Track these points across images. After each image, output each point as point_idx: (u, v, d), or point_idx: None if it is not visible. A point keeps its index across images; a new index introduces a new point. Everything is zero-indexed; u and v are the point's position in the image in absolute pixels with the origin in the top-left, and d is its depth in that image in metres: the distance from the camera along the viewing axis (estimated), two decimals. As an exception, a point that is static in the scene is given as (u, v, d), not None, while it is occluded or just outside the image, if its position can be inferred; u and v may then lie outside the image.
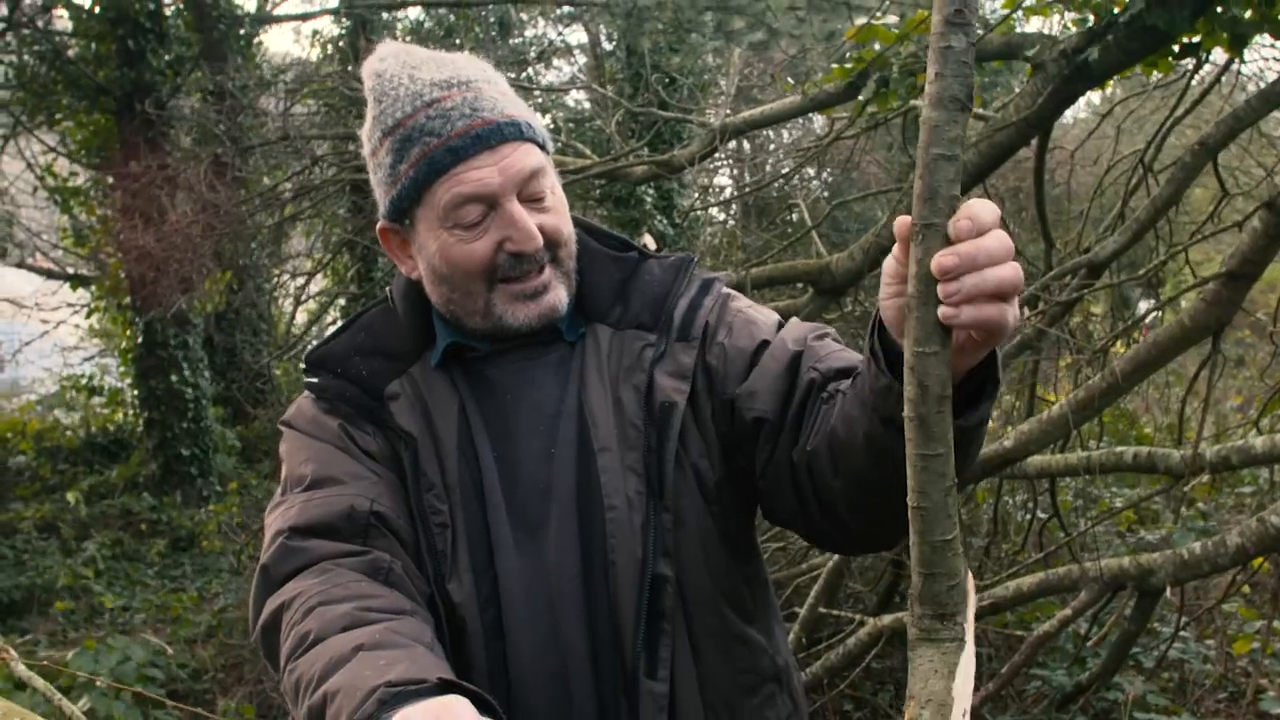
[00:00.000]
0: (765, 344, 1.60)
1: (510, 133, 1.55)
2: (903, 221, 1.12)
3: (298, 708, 1.32)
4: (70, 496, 11.64)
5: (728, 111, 13.66)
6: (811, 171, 14.88)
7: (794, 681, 1.76)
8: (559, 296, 1.61)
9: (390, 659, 1.25)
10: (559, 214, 1.61)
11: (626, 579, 1.54)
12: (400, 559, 1.51)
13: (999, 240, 1.09)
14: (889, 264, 1.22)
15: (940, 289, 1.08)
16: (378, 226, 1.67)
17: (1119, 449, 4.42)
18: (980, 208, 1.09)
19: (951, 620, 1.09)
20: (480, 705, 1.19)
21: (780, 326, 1.66)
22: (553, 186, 1.62)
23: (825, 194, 14.60)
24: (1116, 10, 3.90)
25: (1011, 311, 1.14)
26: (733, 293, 1.75)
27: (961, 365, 1.21)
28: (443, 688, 1.20)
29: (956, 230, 1.07)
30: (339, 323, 6.98)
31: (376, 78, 1.61)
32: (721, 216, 15.08)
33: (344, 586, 1.41)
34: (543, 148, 1.61)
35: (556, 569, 1.56)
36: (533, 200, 1.57)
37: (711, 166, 14.05)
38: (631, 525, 1.55)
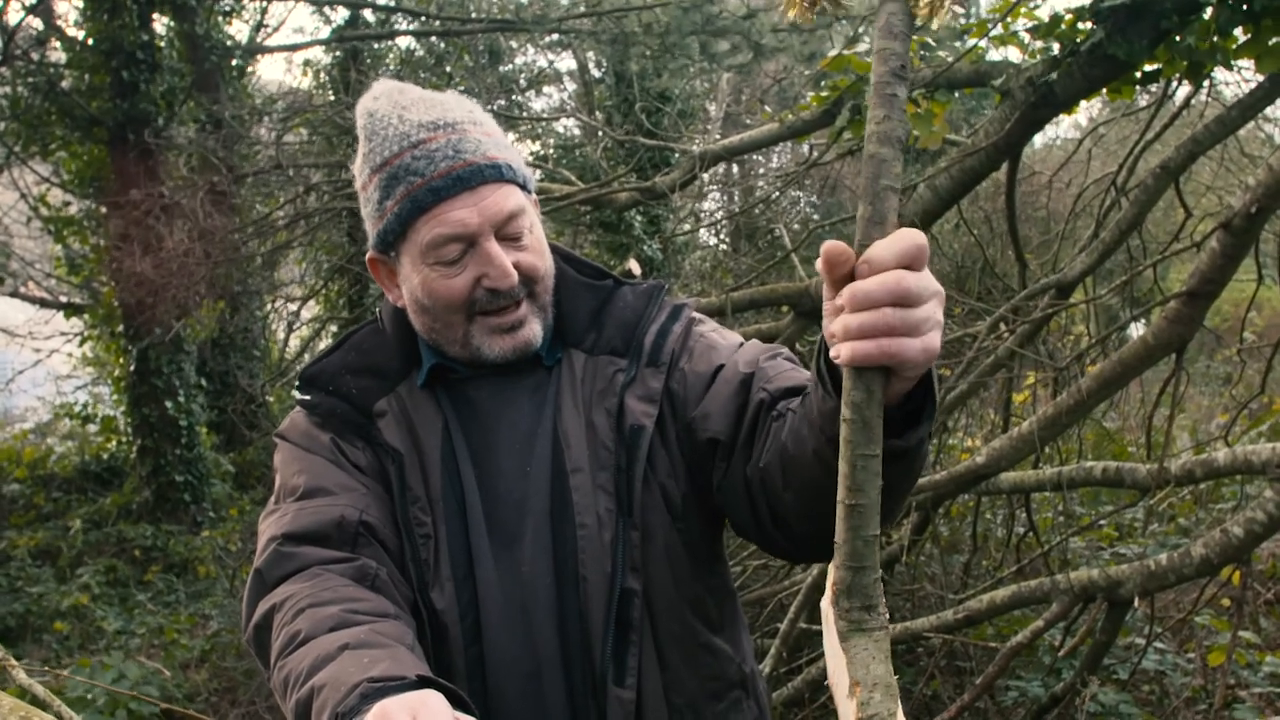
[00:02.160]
0: (721, 367, 1.70)
1: (490, 174, 1.64)
2: (831, 246, 1.18)
3: (286, 702, 1.41)
4: (73, 522, 11.70)
5: (718, 136, 13.80)
6: (801, 195, 15.02)
7: (760, 688, 1.85)
8: (534, 330, 1.71)
9: (373, 657, 1.34)
10: (536, 252, 1.70)
11: (596, 592, 1.63)
12: (386, 566, 1.60)
13: (880, 284, 1.15)
14: (828, 291, 1.28)
15: (825, 329, 1.19)
16: (367, 256, 1.77)
17: (1089, 464, 4.50)
18: (881, 251, 1.15)
19: (875, 610, 1.16)
20: (455, 701, 1.28)
21: (739, 349, 1.76)
22: (531, 225, 1.71)
23: (816, 216, 14.73)
24: (1079, 39, 4.03)
25: (901, 346, 1.16)
26: (699, 317, 1.85)
27: (892, 391, 1.24)
28: (421, 684, 1.29)
29: (858, 273, 1.16)
30: (330, 348, 7.06)
31: (369, 116, 1.70)
32: (713, 241, 15.20)
33: (333, 590, 1.51)
34: (524, 187, 1.71)
35: (530, 580, 1.65)
36: (510, 239, 1.67)
37: (702, 191, 14.20)
38: (601, 541, 1.64)
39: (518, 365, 1.74)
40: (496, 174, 1.65)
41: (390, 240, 1.68)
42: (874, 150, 1.14)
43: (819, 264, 1.21)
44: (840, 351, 1.17)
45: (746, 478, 1.60)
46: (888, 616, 1.21)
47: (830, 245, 1.18)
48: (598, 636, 1.63)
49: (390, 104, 1.69)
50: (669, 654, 1.68)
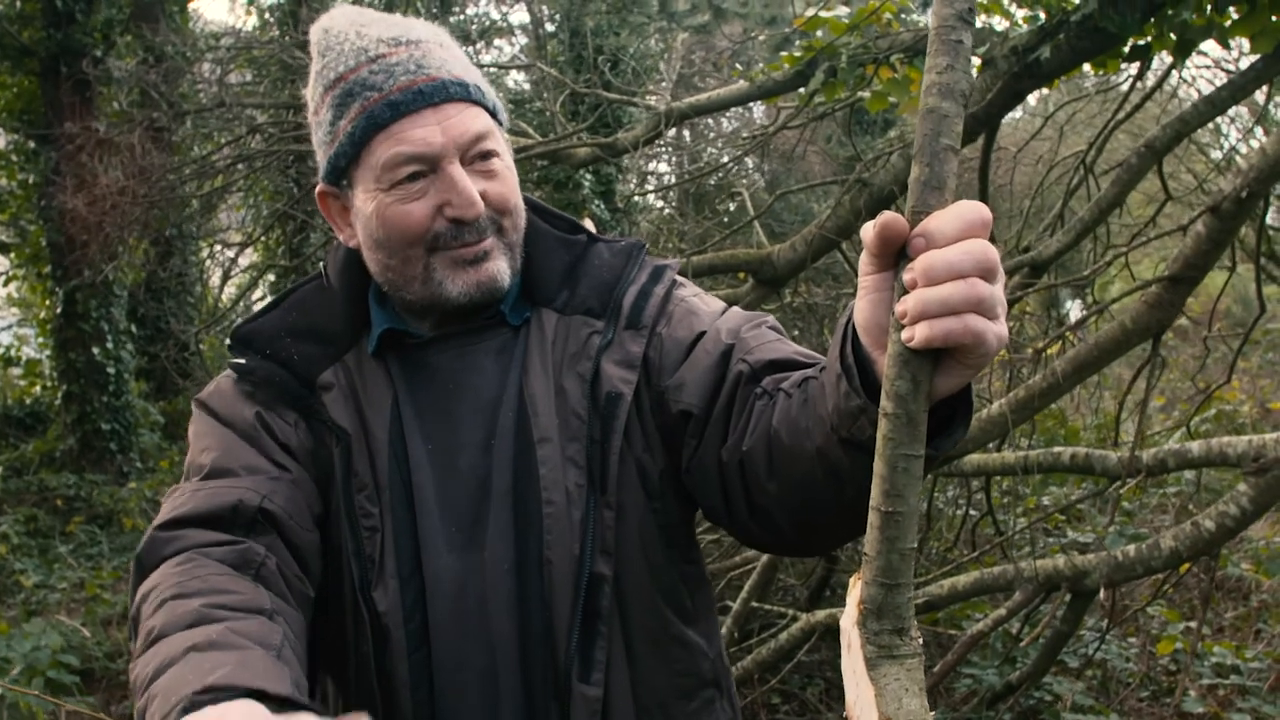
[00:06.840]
0: (702, 334, 1.53)
1: (456, 92, 1.48)
2: (889, 217, 1.01)
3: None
4: (-6, 467, 11.34)
5: (668, 99, 13.58)
6: (751, 162, 14.89)
7: (732, 687, 1.70)
8: (500, 267, 1.52)
9: (217, 662, 1.16)
10: (506, 183, 1.53)
11: (562, 577, 1.47)
12: (278, 556, 1.41)
13: (966, 252, 0.98)
14: (872, 265, 1.08)
15: (896, 308, 1.01)
16: (316, 190, 1.58)
17: (1057, 449, 4.41)
18: (944, 223, 0.98)
19: (908, 634, 1.02)
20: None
21: (721, 315, 1.58)
22: (501, 154, 1.53)
23: (764, 185, 14.61)
24: (1069, 10, 3.89)
25: (985, 327, 1.00)
26: (680, 280, 1.68)
27: (939, 389, 1.06)
28: (250, 695, 1.11)
29: (912, 247, 1.00)
30: (268, 298, 6.81)
31: (323, 33, 1.54)
32: (660, 204, 15.02)
33: (201, 579, 1.32)
34: (494, 115, 1.54)
35: (490, 565, 1.49)
36: (478, 166, 1.50)
37: (651, 153, 13.98)
38: (570, 520, 1.47)
39: (481, 325, 1.56)
40: (463, 92, 1.48)
41: (342, 165, 1.50)
42: (934, 104, 0.98)
43: (868, 236, 1.03)
44: (915, 332, 0.99)
45: (721, 460, 1.43)
46: (921, 641, 1.07)
47: (888, 216, 1.01)
48: (562, 628, 1.46)
49: (348, 21, 1.53)
50: (639, 647, 1.51)
